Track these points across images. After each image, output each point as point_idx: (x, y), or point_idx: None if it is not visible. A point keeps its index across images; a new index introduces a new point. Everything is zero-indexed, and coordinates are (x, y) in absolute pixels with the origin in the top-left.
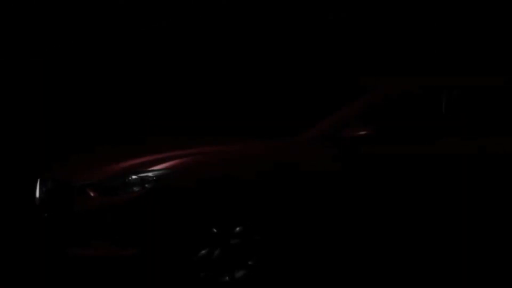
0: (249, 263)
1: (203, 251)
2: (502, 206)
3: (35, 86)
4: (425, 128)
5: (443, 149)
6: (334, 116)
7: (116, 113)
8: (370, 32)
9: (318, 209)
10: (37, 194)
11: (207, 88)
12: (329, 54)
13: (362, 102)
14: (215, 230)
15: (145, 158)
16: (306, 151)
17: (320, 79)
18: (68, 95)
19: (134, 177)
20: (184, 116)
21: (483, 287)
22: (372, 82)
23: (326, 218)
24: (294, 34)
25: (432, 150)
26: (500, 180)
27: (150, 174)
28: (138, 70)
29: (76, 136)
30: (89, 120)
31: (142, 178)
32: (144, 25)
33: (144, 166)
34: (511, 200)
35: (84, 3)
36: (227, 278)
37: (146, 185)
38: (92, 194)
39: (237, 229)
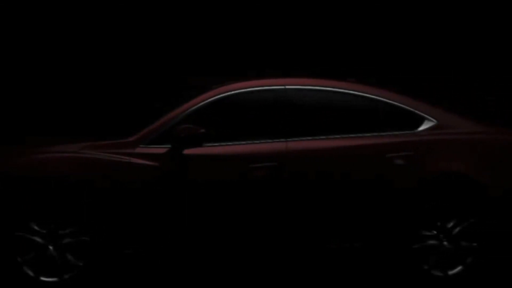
0: (80, 264)
1: (33, 252)
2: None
3: None
4: (260, 127)
5: (280, 147)
6: (166, 116)
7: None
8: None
9: (146, 208)
10: None
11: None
12: (156, 56)
13: (196, 101)
14: (44, 231)
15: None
16: (137, 151)
17: (151, 80)
18: None
19: None
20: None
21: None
22: (202, 83)
23: (154, 216)
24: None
25: (267, 147)
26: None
27: None
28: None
29: None
30: None
31: None
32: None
33: None
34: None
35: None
36: (56, 278)
37: None
38: None
39: (68, 230)
